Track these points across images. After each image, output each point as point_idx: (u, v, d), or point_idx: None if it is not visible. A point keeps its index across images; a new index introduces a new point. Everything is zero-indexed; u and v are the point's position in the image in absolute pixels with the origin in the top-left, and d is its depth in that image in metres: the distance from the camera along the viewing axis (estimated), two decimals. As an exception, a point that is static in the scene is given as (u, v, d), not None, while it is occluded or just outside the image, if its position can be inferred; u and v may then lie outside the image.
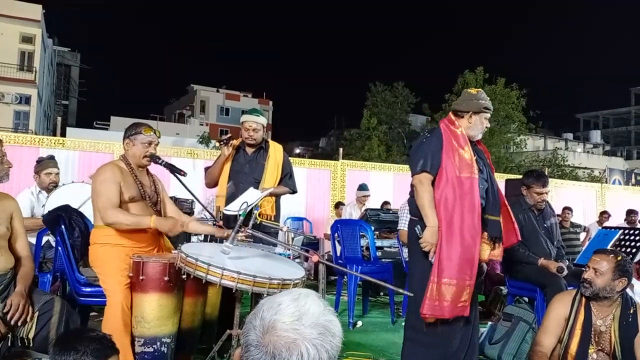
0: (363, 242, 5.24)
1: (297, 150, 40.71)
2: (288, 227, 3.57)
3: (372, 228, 5.25)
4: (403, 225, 4.76)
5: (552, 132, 43.17)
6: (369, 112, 26.82)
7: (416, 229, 2.88)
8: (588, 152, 41.51)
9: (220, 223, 3.40)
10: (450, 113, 3.07)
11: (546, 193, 3.98)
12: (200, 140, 27.90)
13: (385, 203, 8.07)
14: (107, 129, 34.62)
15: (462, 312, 2.87)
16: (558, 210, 6.60)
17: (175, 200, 5.17)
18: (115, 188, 2.82)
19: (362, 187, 7.60)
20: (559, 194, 10.97)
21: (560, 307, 2.75)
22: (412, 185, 2.97)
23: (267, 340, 0.96)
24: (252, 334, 0.99)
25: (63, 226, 3.03)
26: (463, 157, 2.88)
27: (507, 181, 8.78)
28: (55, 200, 4.00)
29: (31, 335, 2.39)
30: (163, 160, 3.04)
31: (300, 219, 8.31)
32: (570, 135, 45.05)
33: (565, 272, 3.67)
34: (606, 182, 18.49)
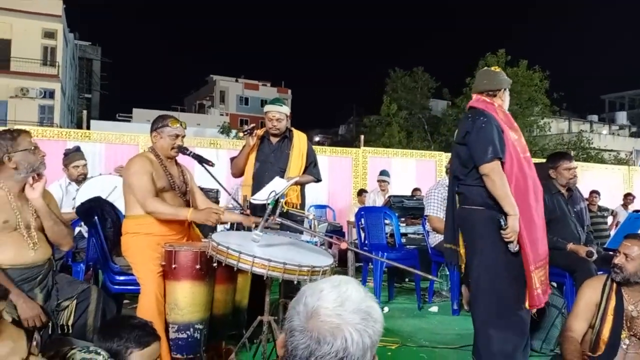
0: (387, 229, 5.24)
1: (317, 139, 40.66)
2: (314, 215, 3.60)
3: (397, 215, 5.25)
4: (432, 211, 4.75)
5: (577, 114, 42.27)
6: (389, 98, 26.64)
7: (501, 219, 2.72)
8: (614, 134, 40.53)
9: (248, 212, 3.45)
10: (480, 95, 2.95)
11: (575, 168, 3.93)
12: (221, 130, 28.10)
13: (416, 190, 8.04)
14: (129, 121, 35.16)
15: (546, 295, 2.88)
16: (585, 195, 6.49)
17: (201, 189, 5.25)
18: (148, 179, 2.89)
19: (382, 173, 7.61)
20: (584, 178, 10.78)
21: (591, 292, 2.73)
22: (479, 174, 2.76)
23: (311, 326, 0.99)
24: (295, 319, 1.02)
25: (96, 217, 3.11)
26: (519, 136, 2.84)
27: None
28: (85, 193, 4.09)
29: (70, 323, 2.48)
30: (191, 151, 3.09)
31: (323, 207, 8.35)
32: (595, 117, 44.04)
33: (595, 256, 3.62)
34: (633, 165, 18.09)
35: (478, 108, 2.88)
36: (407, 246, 5.26)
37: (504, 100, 2.95)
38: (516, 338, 2.78)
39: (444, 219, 3.17)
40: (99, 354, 1.26)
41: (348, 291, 1.03)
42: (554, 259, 3.80)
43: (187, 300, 2.68)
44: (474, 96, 2.99)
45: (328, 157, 8.88)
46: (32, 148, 2.49)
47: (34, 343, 1.01)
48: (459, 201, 2.93)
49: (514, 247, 2.76)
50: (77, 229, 3.99)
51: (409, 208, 5.89)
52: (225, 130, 28.12)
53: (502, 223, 2.71)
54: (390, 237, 5.31)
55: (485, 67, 3.15)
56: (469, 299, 3.23)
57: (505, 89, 2.97)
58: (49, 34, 27.98)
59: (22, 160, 2.45)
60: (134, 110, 38.64)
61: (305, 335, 0.98)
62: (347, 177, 9.09)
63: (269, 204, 2.69)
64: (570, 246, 3.71)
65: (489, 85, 2.95)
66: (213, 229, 4.83)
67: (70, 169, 4.43)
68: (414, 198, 6.23)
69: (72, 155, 4.47)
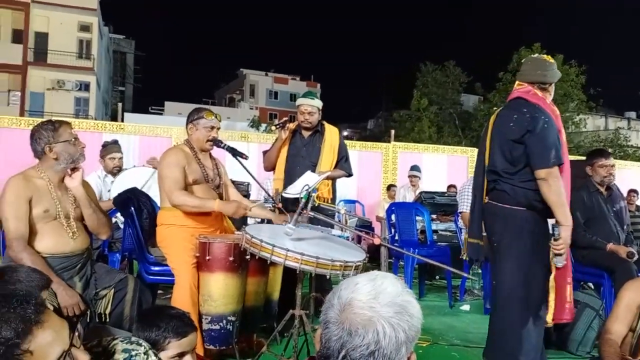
0: (418, 225, 5.20)
1: (345, 133, 40.56)
2: (346, 210, 3.58)
3: (428, 211, 5.19)
4: (466, 207, 4.69)
5: (614, 111, 40.98)
6: (419, 93, 26.35)
7: (554, 229, 2.63)
8: (653, 131, 39.16)
9: (280, 205, 3.46)
10: (531, 86, 2.78)
11: (612, 166, 3.80)
12: (251, 124, 28.31)
13: (451, 186, 7.94)
14: (161, 114, 35.76)
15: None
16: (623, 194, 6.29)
17: (232, 182, 5.31)
18: (179, 171, 2.92)
19: (413, 168, 7.53)
20: (621, 176, 10.43)
21: (632, 294, 2.64)
22: (536, 178, 2.64)
23: (344, 317, 0.99)
24: (330, 311, 1.02)
25: (133, 208, 3.17)
26: (563, 138, 2.72)
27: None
28: (120, 184, 4.19)
29: (108, 312, 2.54)
30: (225, 144, 3.11)
31: (353, 202, 8.33)
32: (633, 114, 42.59)
33: (636, 257, 3.52)
34: (674, 163, 17.45)
35: (532, 102, 2.71)
36: (439, 243, 5.21)
37: (551, 95, 2.82)
38: (534, 349, 2.71)
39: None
40: (140, 344, 1.28)
41: (384, 285, 1.02)
42: (592, 259, 3.71)
43: (220, 292, 2.71)
44: (523, 85, 2.81)
45: (358, 152, 8.84)
46: (73, 139, 2.54)
47: (77, 334, 1.02)
48: (493, 197, 2.81)
49: (561, 261, 2.66)
50: (113, 220, 4.08)
51: (441, 204, 5.82)
52: (255, 124, 28.32)
53: (555, 233, 2.61)
54: (421, 233, 5.27)
55: (537, 55, 2.93)
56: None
57: (553, 84, 2.84)
58: (85, 27, 28.60)
59: (63, 151, 2.51)
60: (166, 103, 39.29)
61: (338, 327, 0.98)
62: (376, 172, 9.04)
63: (302, 197, 2.68)
64: (610, 246, 3.61)
65: (544, 77, 2.77)
66: (245, 222, 4.89)
67: (107, 160, 4.53)
68: (446, 195, 6.15)
69: (110, 147, 4.58)
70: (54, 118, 3.05)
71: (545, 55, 2.92)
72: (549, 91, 2.81)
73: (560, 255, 2.65)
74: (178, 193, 2.88)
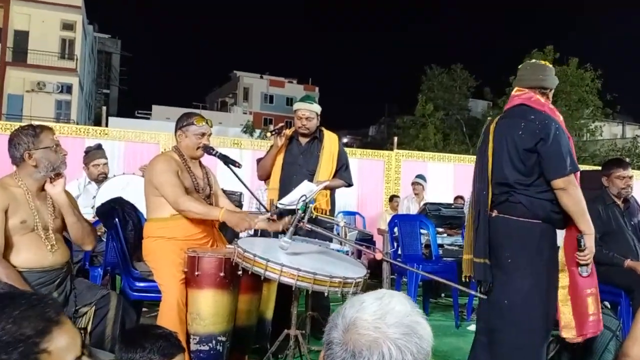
0: (422, 239, 5.19)
1: (345, 140, 40.66)
2: (345, 222, 3.59)
3: (433, 224, 5.20)
4: None
5: (632, 118, 41.15)
6: (424, 98, 26.48)
7: (581, 239, 2.66)
8: (674, 140, 39.28)
9: (274, 217, 3.46)
10: (532, 91, 2.81)
11: (630, 177, 3.81)
12: (244, 129, 28.39)
13: (458, 197, 7.95)
14: (148, 119, 35.82)
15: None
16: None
17: (223, 192, 5.32)
18: (175, 176, 2.94)
19: (418, 176, 7.55)
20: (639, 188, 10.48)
21: (652, 314, 2.64)
22: (554, 188, 2.66)
23: (347, 338, 0.98)
24: (334, 332, 1.02)
25: (117, 219, 3.17)
26: (572, 144, 2.75)
27: (581, 173, 8.45)
28: (106, 193, 4.17)
29: (88, 330, 2.52)
30: (217, 151, 3.12)
31: (353, 214, 8.31)
32: (652, 121, 42.78)
33: (656, 274, 3.52)
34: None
35: (537, 109, 2.73)
36: (445, 258, 5.20)
37: (550, 100, 2.86)
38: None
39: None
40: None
41: (391, 304, 1.02)
42: (609, 277, 3.70)
43: (209, 310, 2.70)
44: (524, 91, 2.84)
45: (358, 160, 8.84)
46: (54, 146, 2.55)
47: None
48: (504, 210, 2.79)
49: (587, 270, 2.68)
50: (95, 231, 4.07)
51: (447, 217, 5.82)
52: (248, 129, 28.43)
53: (582, 243, 2.62)
54: (425, 248, 5.26)
55: (534, 61, 3.00)
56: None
57: (552, 89, 2.89)
58: (68, 26, 28.71)
59: (43, 158, 2.52)
60: (154, 107, 39.36)
61: (342, 348, 0.98)
62: (378, 182, 9.04)
63: (298, 209, 2.69)
64: (628, 263, 3.61)
65: (544, 81, 2.81)
66: (236, 234, 4.87)
67: (91, 167, 4.53)
68: (453, 206, 6.15)
69: (93, 153, 4.57)
70: (34, 122, 3.06)
71: (542, 61, 2.97)
72: (548, 97, 2.84)
73: (586, 265, 2.67)
74: (184, 198, 2.89)
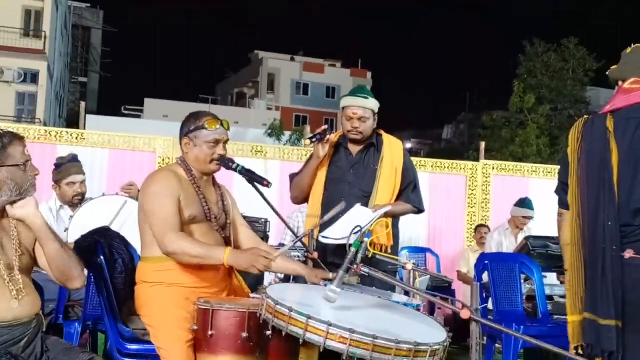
0: (524, 288, 5.13)
1: (409, 145, 40.60)
2: (414, 264, 3.57)
3: (539, 267, 5.12)
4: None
5: None
6: (523, 86, 26.24)
7: None
8: None
9: (315, 255, 3.48)
10: None
11: None
12: (270, 131, 28.65)
13: None
14: (139, 117, 36.62)
15: None
16: None
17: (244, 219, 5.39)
18: (173, 204, 2.98)
19: (524, 204, 7.38)
20: None
21: None
22: None
23: None
24: None
25: (102, 257, 3.24)
26: None
27: None
28: (81, 221, 4.27)
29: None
30: (239, 165, 3.16)
31: (422, 251, 8.28)
32: None
33: None
34: None
35: None
36: (556, 316, 5.11)
37: None
38: None
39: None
40: None
41: None
42: None
43: (227, 385, 2.73)
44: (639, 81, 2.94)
45: (429, 175, 8.86)
46: (24, 163, 2.65)
47: None
48: None
49: None
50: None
51: (558, 257, 5.69)
52: (275, 131, 28.65)
53: None
54: (528, 301, 5.17)
55: None
56: None
57: None
58: (34, -7, 29.63)
59: (8, 179, 2.62)
60: (146, 100, 40.26)
61: None
62: (458, 205, 9.00)
63: (350, 244, 2.70)
64: None
65: None
66: (260, 278, 4.90)
67: (63, 186, 4.64)
68: (566, 242, 6.05)
69: (67, 167, 4.67)
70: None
71: None
72: None
73: None
74: (172, 237, 2.93)
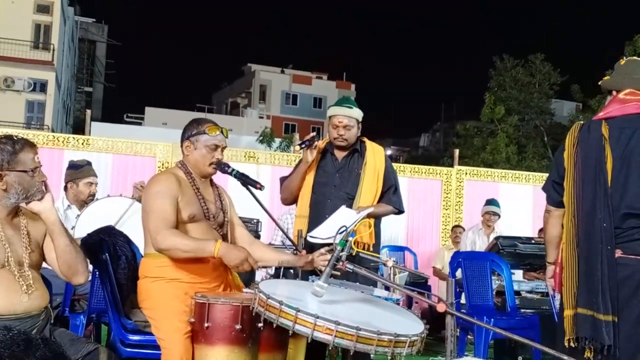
0: (494, 284, 5.15)
1: (389, 152, 40.60)
2: (394, 261, 3.58)
3: (508, 265, 5.14)
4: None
5: None
6: (493, 98, 26.36)
7: None
8: None
9: (303, 253, 3.48)
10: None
11: None
12: (261, 138, 28.60)
13: (542, 230, 7.85)
14: (140, 124, 36.48)
15: None
16: None
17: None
18: (170, 204, 2.97)
19: (490, 202, 7.47)
20: None
21: None
22: None
23: None
24: None
25: (107, 254, 3.22)
26: None
27: None
28: (89, 220, 4.27)
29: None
30: (234, 169, 3.17)
31: (401, 249, 8.29)
32: None
33: None
34: None
35: None
36: (523, 310, 5.14)
37: None
38: None
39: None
40: None
41: None
42: None
43: (222, 373, 2.71)
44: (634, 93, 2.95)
45: (407, 179, 8.86)
46: (32, 169, 2.64)
47: None
48: (634, 250, 2.81)
49: None
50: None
51: (526, 255, 5.74)
52: (266, 138, 28.60)
53: None
54: (497, 296, 5.20)
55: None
56: None
57: None
58: (43, 8, 29.51)
59: (15, 183, 2.61)
60: (147, 109, 40.13)
61: None
62: (434, 207, 9.02)
63: (337, 243, 2.70)
64: None
65: None
66: (252, 274, 4.89)
67: (82, 185, 4.69)
68: (533, 241, 6.07)
69: (87, 169, 4.77)
70: (4, 129, 3.16)
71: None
72: None
73: None
74: (166, 233, 2.91)
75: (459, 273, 5.16)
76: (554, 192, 3.12)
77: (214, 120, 3.31)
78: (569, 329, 2.86)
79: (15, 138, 2.70)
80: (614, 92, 3.06)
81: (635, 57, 3.13)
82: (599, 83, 3.19)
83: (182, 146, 3.18)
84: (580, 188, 2.94)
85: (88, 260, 3.66)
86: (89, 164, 4.86)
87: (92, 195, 4.68)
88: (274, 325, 2.51)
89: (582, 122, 3.21)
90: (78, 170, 4.74)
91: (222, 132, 3.15)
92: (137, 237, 3.39)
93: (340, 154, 4.05)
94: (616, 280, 2.80)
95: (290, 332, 2.48)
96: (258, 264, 3.00)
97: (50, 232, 2.69)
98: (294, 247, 3.70)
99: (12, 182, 2.60)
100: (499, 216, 7.48)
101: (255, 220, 5.93)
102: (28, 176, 2.62)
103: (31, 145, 2.69)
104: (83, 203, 4.63)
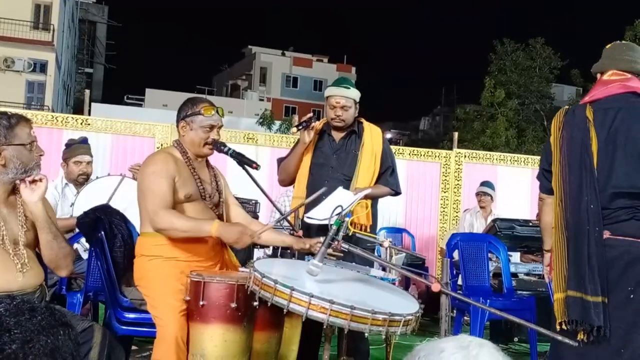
0: (491, 265, 5.16)
1: (389, 135, 40.56)
2: (390, 242, 3.57)
3: (506, 246, 5.15)
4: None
5: None
6: (493, 82, 26.31)
7: None
8: None
9: (300, 233, 3.48)
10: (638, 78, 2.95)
11: None
12: (261, 120, 28.61)
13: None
14: (141, 105, 36.46)
15: None
16: None
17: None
18: (167, 184, 2.96)
19: (484, 184, 7.48)
20: None
21: None
22: None
23: None
24: None
25: (102, 232, 3.22)
26: None
27: None
28: (86, 198, 4.26)
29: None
30: (230, 149, 3.16)
31: (399, 231, 8.30)
32: None
33: None
34: None
35: None
36: (520, 291, 5.15)
37: None
38: None
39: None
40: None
41: (479, 356, 1.03)
42: None
43: (217, 351, 2.72)
44: (625, 75, 2.94)
45: (407, 162, 8.84)
46: (30, 143, 2.62)
47: None
48: (629, 231, 2.79)
49: None
50: (74, 246, 4.15)
51: (523, 237, 5.75)
52: (266, 120, 28.62)
53: None
54: (494, 277, 5.20)
55: (627, 42, 3.20)
56: None
57: None
58: (43, -11, 29.31)
59: (15, 157, 2.59)
60: (147, 91, 40.09)
61: None
62: (433, 190, 9.01)
63: (332, 224, 2.69)
64: None
65: None
66: (249, 253, 4.90)
67: (70, 164, 4.64)
68: (531, 224, 6.07)
69: (76, 147, 4.70)
70: (4, 109, 3.15)
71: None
72: None
73: None
74: (163, 213, 2.91)
75: (456, 254, 5.16)
76: (544, 180, 3.12)
77: (211, 100, 3.28)
78: (560, 312, 2.85)
79: (9, 114, 2.70)
80: (599, 75, 3.07)
81: (622, 42, 3.14)
82: (591, 70, 3.19)
83: (177, 126, 3.17)
84: (566, 172, 2.92)
85: (84, 239, 3.67)
86: (83, 141, 4.81)
87: (84, 174, 4.63)
88: (269, 303, 2.52)
89: (567, 107, 3.21)
90: (68, 149, 4.72)
91: (217, 111, 3.15)
92: (131, 214, 3.41)
93: (337, 135, 4.04)
94: (605, 261, 2.79)
95: (285, 310, 2.49)
96: (257, 233, 2.99)
97: (36, 226, 2.66)
98: (291, 228, 3.70)
99: (11, 156, 2.58)
100: (491, 197, 7.46)
101: (253, 201, 5.93)
102: (26, 150, 2.61)
103: (26, 120, 2.69)
104: (76, 181, 4.61)
